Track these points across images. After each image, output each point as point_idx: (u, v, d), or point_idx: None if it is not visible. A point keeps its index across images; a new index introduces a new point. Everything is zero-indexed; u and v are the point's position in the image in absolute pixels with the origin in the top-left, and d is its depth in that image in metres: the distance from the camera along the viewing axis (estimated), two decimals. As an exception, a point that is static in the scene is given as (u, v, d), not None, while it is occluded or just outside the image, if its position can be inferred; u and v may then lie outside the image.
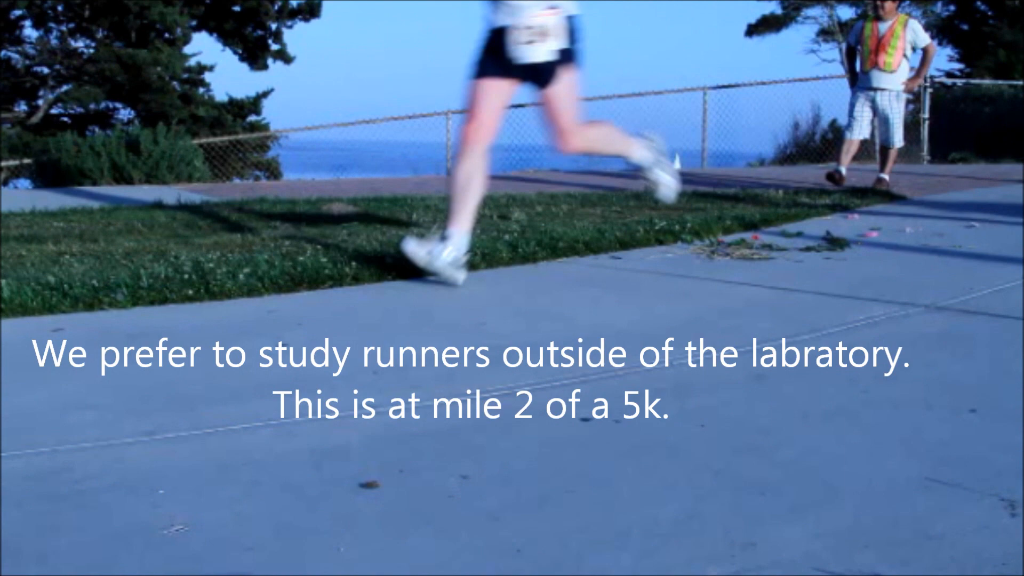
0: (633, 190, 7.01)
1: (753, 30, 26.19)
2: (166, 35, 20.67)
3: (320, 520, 1.58)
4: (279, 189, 8.84)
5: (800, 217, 5.58)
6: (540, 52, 3.37)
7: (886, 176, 7.65)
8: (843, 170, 7.70)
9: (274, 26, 21.83)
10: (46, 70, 20.52)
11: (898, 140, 7.66)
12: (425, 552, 1.46)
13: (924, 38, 7.61)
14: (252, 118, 21.16)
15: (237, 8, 21.49)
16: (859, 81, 7.69)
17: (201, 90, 21.33)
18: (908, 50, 7.53)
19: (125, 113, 20.91)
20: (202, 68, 21.44)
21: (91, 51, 20.25)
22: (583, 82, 3.56)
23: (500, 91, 3.51)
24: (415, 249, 3.50)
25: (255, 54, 22.10)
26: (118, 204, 6.68)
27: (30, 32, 21.26)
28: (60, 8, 19.82)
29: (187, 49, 21.15)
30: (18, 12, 19.30)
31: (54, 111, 20.75)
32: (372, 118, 13.48)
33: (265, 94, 21.44)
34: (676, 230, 4.84)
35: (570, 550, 1.46)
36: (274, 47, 22.14)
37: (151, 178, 10.41)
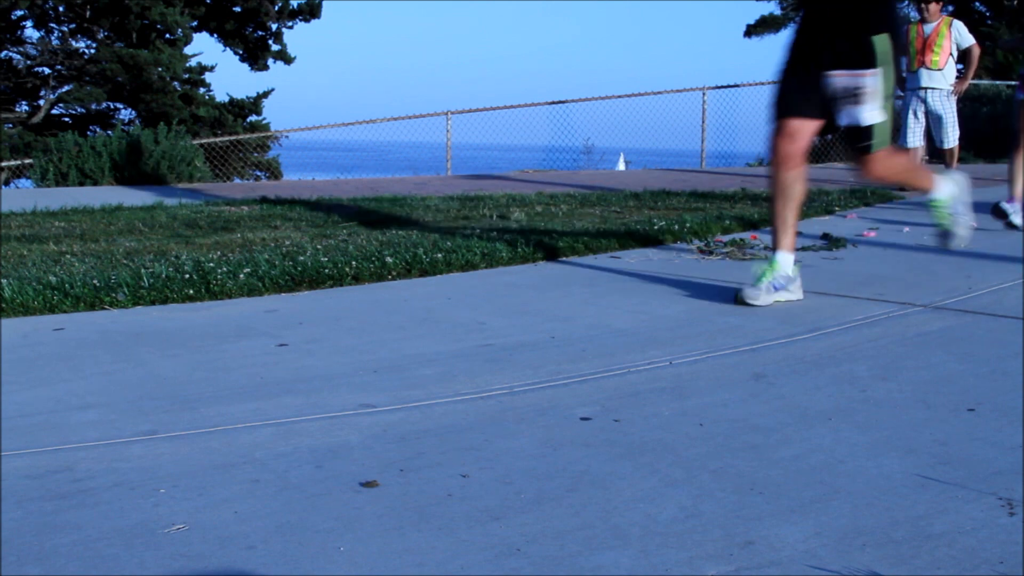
0: (632, 190, 7.00)
1: (752, 31, 26.17)
2: (167, 35, 20.66)
3: (320, 519, 1.58)
4: (279, 189, 8.85)
5: (798, 217, 5.58)
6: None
7: None
8: None
9: (274, 26, 21.82)
10: (47, 70, 20.51)
11: (952, 140, 7.68)
12: (425, 551, 1.47)
13: (968, 39, 7.65)
14: (252, 118, 21.14)
15: (238, 8, 21.48)
16: (907, 83, 7.71)
17: (202, 90, 21.31)
18: (954, 50, 7.57)
19: (126, 113, 20.90)
20: (203, 68, 21.43)
21: (92, 51, 20.25)
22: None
23: None
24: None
25: (256, 54, 22.10)
26: (119, 204, 6.69)
27: (31, 32, 21.28)
28: (61, 9, 19.82)
29: (188, 49, 21.13)
30: (20, 12, 19.31)
31: (55, 111, 20.75)
32: (372, 118, 13.49)
33: (266, 94, 21.43)
34: (676, 230, 4.85)
35: (569, 549, 1.47)
36: (274, 47, 22.12)
37: (152, 178, 10.42)
